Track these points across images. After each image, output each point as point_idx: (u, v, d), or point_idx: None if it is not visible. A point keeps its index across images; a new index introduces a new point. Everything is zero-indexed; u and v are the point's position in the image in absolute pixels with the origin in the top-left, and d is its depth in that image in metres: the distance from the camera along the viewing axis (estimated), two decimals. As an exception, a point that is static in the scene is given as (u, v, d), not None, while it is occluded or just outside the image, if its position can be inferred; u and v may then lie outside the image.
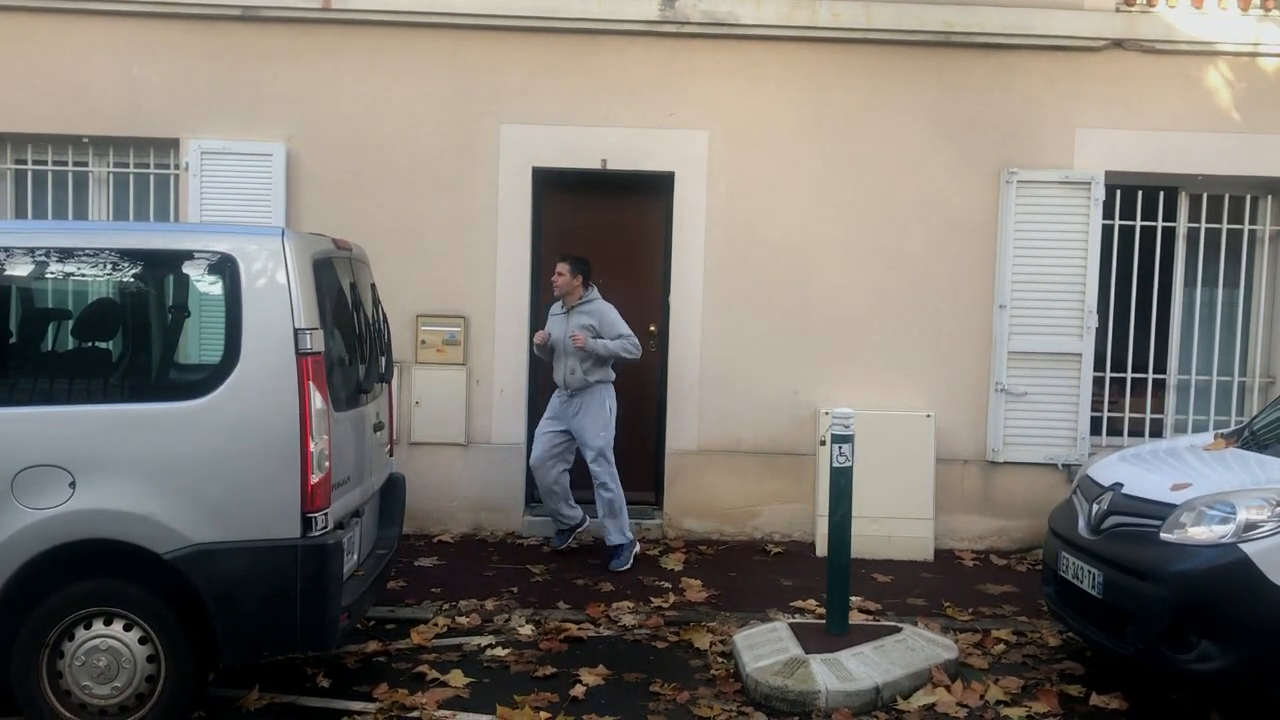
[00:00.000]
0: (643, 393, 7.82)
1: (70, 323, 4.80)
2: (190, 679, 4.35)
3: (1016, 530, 7.69)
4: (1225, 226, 7.79)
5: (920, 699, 4.93)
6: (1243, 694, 4.72)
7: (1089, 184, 7.53)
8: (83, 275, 4.49)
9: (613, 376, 7.03)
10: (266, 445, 4.30)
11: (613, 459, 6.98)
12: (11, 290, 4.55)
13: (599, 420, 6.94)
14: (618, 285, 7.46)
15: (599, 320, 6.92)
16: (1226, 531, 4.53)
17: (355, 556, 4.96)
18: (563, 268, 6.97)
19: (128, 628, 4.30)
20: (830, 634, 5.42)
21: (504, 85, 7.56)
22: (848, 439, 5.42)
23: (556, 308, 7.10)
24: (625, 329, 6.92)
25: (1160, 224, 7.77)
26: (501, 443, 7.69)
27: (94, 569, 4.31)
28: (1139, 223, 7.75)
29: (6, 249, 4.38)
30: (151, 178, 7.68)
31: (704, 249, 7.64)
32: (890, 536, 7.34)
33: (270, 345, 4.32)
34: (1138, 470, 5.30)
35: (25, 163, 7.67)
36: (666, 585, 6.61)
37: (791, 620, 5.82)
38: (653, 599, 6.33)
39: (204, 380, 4.37)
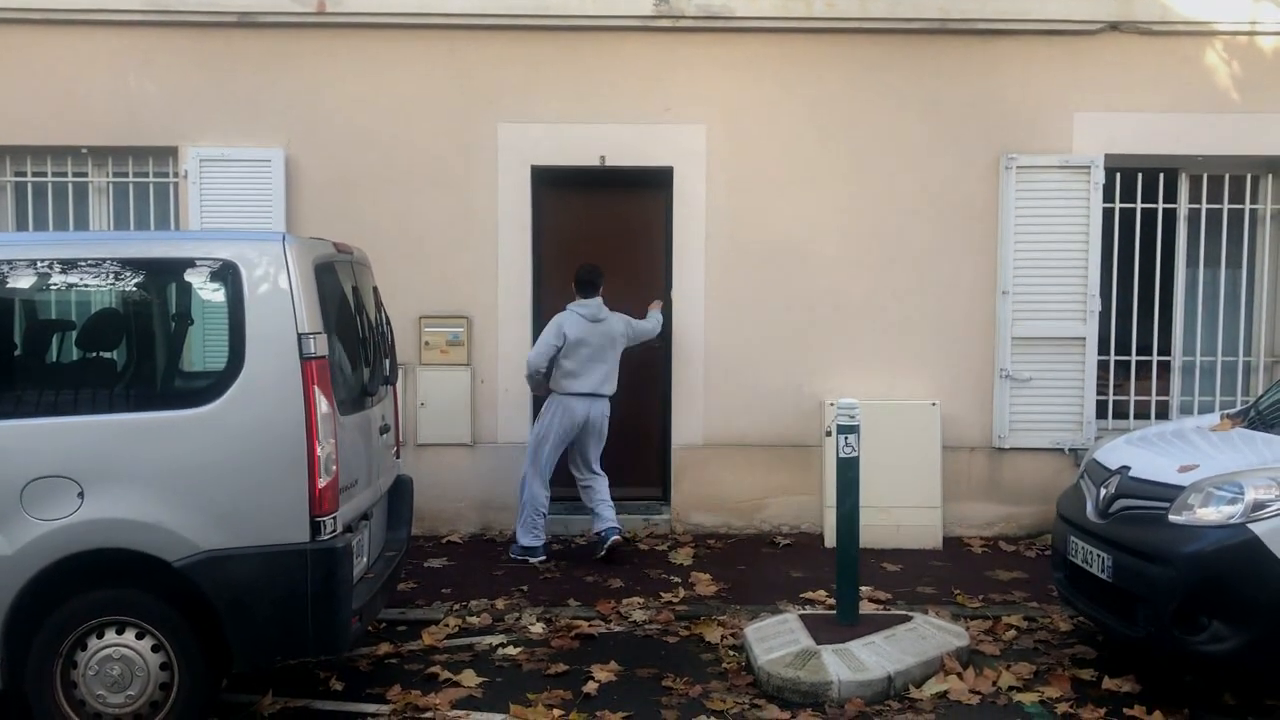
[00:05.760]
0: (648, 389, 7.82)
1: (74, 333, 4.81)
2: (203, 685, 4.36)
3: (1025, 516, 7.69)
4: (1226, 207, 7.78)
5: (933, 687, 4.93)
6: (1255, 674, 4.72)
7: (1088, 168, 7.52)
8: (85, 286, 4.49)
9: None
10: (273, 450, 4.30)
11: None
12: (15, 302, 4.55)
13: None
14: (619, 282, 7.45)
15: None
16: (1235, 512, 4.53)
17: (365, 559, 4.97)
18: None
19: (140, 636, 4.31)
20: (841, 624, 5.42)
21: (500, 84, 7.56)
22: (853, 429, 5.42)
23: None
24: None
25: (1161, 206, 7.76)
26: (507, 441, 7.68)
27: (105, 578, 4.32)
28: (1139, 205, 7.74)
29: (9, 261, 4.39)
30: (151, 186, 7.68)
31: (705, 243, 7.63)
32: (898, 525, 7.34)
33: (274, 351, 4.32)
34: (1145, 453, 5.29)
35: (25, 175, 7.68)
36: (676, 580, 6.62)
37: (802, 612, 5.83)
38: (663, 594, 6.34)
39: (209, 387, 4.38)
